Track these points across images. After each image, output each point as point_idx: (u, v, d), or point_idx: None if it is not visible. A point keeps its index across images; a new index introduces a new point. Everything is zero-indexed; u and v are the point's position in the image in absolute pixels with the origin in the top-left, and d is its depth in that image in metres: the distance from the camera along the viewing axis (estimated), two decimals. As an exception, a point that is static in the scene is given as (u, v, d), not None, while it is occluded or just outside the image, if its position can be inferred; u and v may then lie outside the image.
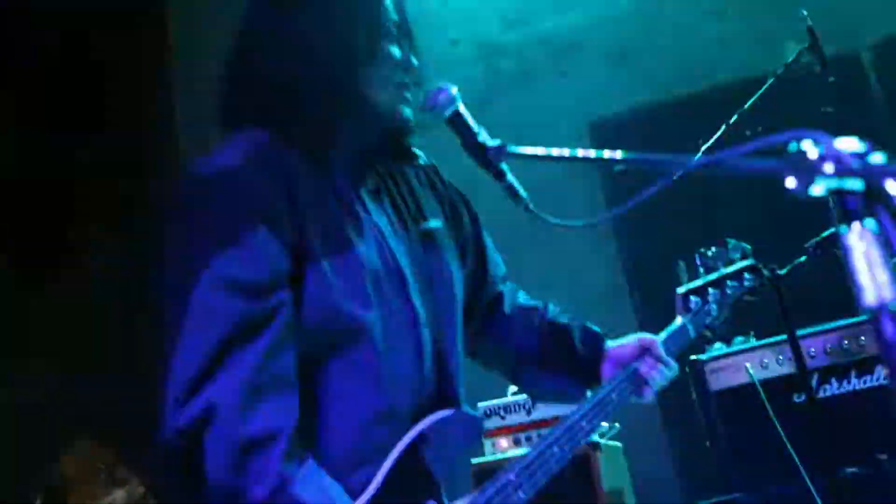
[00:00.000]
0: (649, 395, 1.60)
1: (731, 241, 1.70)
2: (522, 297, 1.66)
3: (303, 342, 1.25)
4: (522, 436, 2.83)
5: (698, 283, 1.69)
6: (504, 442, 2.84)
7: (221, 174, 1.28)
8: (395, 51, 1.39)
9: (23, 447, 6.78)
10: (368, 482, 1.25)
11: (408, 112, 1.39)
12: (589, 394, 1.53)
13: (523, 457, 1.40)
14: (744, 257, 1.71)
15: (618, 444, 2.85)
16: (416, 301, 1.38)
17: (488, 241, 1.62)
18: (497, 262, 1.63)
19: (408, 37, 1.42)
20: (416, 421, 1.31)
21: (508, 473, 1.35)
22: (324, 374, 1.27)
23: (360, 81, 1.35)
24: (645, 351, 1.57)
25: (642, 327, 4.44)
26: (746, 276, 1.71)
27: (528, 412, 2.83)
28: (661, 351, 1.57)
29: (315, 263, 1.26)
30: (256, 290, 1.19)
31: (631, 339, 1.60)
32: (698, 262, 1.70)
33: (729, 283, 1.69)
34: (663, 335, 1.63)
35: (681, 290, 1.69)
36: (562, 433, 1.44)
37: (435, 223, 1.48)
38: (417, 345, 1.36)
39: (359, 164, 1.42)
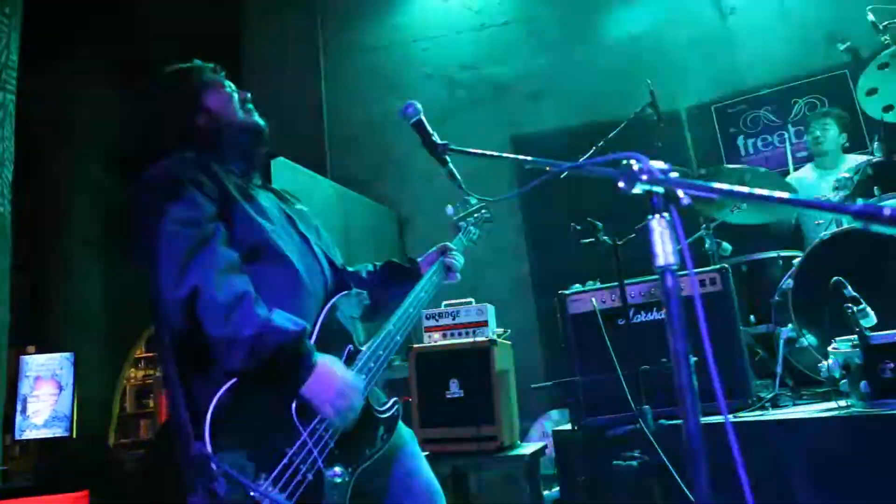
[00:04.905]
0: (455, 277, 1.70)
1: (472, 197, 1.68)
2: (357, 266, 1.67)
3: (244, 253, 1.24)
4: (449, 332, 2.73)
5: (461, 215, 1.85)
6: (436, 335, 2.74)
7: (167, 170, 1.28)
8: (237, 96, 1.45)
9: (119, 322, 6.67)
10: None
11: (258, 119, 1.45)
12: (422, 281, 1.57)
13: (396, 313, 1.45)
14: (480, 202, 1.85)
15: (508, 342, 2.86)
16: (306, 234, 1.41)
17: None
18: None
19: (238, 91, 1.47)
20: (328, 299, 1.35)
21: (388, 325, 1.40)
22: (267, 273, 1.25)
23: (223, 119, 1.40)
24: (445, 251, 1.70)
25: (532, 269, 4.54)
26: (483, 212, 1.90)
27: (454, 318, 2.73)
28: (454, 248, 1.73)
29: (239, 207, 1.28)
30: (198, 222, 1.20)
31: (433, 249, 1.71)
32: (461, 206, 1.85)
33: (476, 215, 1.88)
34: (452, 242, 1.76)
35: (452, 221, 1.85)
36: (413, 299, 1.50)
37: (303, 207, 1.51)
38: (315, 257, 1.38)
39: (246, 170, 1.42)
